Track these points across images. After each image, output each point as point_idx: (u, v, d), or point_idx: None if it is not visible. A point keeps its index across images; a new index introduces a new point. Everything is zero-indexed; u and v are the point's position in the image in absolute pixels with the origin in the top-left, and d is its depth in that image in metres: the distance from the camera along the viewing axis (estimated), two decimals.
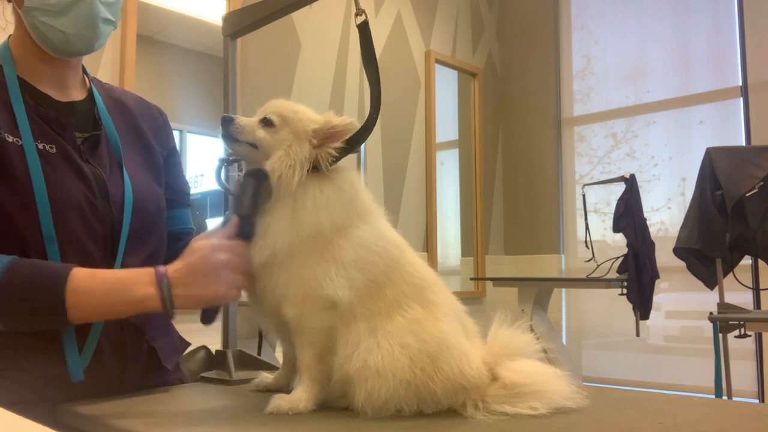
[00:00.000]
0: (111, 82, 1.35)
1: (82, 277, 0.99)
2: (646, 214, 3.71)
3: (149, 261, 1.19)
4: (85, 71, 1.25)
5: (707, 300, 3.31)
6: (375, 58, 1.06)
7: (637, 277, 3.50)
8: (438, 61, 4.68)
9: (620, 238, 3.88)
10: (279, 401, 0.94)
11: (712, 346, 2.98)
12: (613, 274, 3.69)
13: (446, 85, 4.88)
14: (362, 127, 1.01)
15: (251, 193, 0.98)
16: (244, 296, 1.05)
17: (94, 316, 1.02)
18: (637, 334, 3.64)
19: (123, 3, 1.23)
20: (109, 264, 1.11)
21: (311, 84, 3.81)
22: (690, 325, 4.33)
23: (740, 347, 3.53)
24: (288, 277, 0.95)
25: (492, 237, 5.10)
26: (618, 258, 3.67)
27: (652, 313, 3.63)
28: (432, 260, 4.36)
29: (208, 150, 3.35)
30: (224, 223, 1.17)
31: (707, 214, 3.08)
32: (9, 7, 1.14)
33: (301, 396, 0.95)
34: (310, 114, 1.02)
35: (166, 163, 1.30)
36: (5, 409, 0.56)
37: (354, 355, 0.91)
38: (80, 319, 1.00)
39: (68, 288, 0.97)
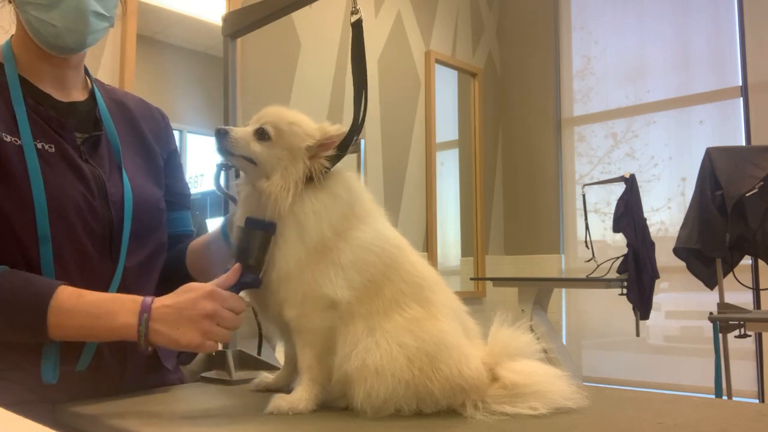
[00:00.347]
0: (111, 82, 1.36)
1: (67, 297, 0.98)
2: (646, 214, 3.71)
3: (149, 262, 1.19)
4: (87, 72, 1.25)
5: (707, 300, 3.31)
6: (364, 58, 1.05)
7: (637, 277, 3.50)
8: (438, 61, 4.68)
9: (620, 238, 3.88)
10: (279, 401, 0.94)
11: (712, 346, 2.98)
12: (613, 274, 3.69)
13: (446, 85, 4.88)
14: (349, 130, 0.99)
15: (259, 245, 0.96)
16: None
17: (74, 337, 1.01)
18: (637, 334, 3.64)
19: (123, 1, 1.23)
20: (107, 264, 1.11)
21: (311, 84, 3.81)
22: (690, 325, 4.33)
23: (740, 347, 3.53)
24: (288, 279, 0.95)
25: (492, 237, 5.10)
26: (618, 258, 3.67)
27: (652, 313, 3.63)
28: (432, 260, 4.35)
29: (208, 150, 3.35)
30: (224, 232, 1.18)
31: (707, 214, 3.08)
32: (10, 8, 1.14)
33: (301, 396, 0.95)
34: (305, 126, 1.00)
35: (166, 165, 1.30)
36: (5, 409, 0.56)
37: (352, 354, 0.91)
38: (61, 338, 1.00)
39: (52, 306, 0.97)
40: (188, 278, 1.29)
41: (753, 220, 3.01)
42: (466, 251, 4.93)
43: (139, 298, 0.99)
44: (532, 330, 3.64)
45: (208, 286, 0.97)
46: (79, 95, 1.20)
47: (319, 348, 0.96)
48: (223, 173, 1.07)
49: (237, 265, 0.98)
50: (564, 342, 4.56)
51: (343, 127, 1.00)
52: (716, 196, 3.07)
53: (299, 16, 3.70)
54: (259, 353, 1.36)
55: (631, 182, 3.67)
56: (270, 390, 1.09)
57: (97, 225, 1.10)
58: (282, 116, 1.01)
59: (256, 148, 0.98)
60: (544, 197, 5.03)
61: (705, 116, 4.34)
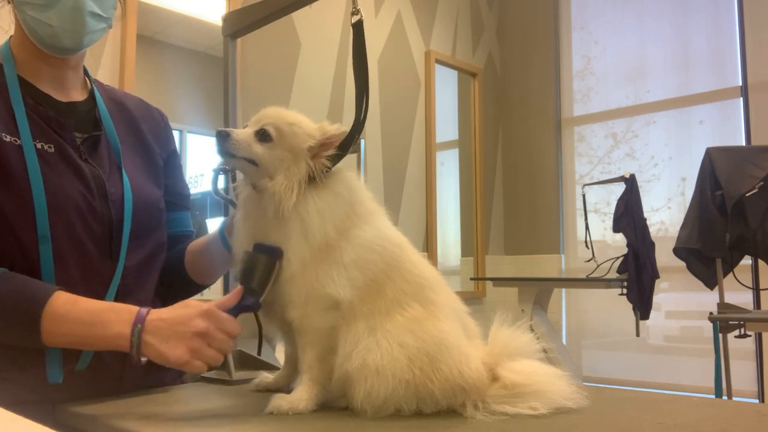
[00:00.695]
0: (111, 82, 1.36)
1: (63, 303, 0.97)
2: (646, 214, 3.71)
3: (148, 261, 1.19)
4: (86, 73, 1.25)
5: (707, 300, 3.31)
6: (365, 59, 1.05)
7: (637, 277, 3.50)
8: (438, 61, 4.68)
9: (620, 238, 3.88)
10: (279, 401, 0.94)
11: (712, 346, 2.98)
12: (613, 274, 3.69)
13: (446, 85, 4.88)
14: (350, 130, 1.00)
15: (263, 269, 0.96)
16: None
17: (68, 344, 1.00)
18: (637, 334, 3.64)
19: (122, 2, 1.23)
20: (107, 263, 1.11)
21: (311, 84, 3.81)
22: (690, 325, 4.33)
23: (740, 347, 3.53)
24: (291, 279, 0.95)
25: (492, 237, 5.10)
26: (618, 258, 3.67)
27: (652, 313, 3.63)
28: (432, 260, 4.33)
29: (208, 150, 3.35)
30: (222, 235, 1.18)
31: (707, 214, 3.08)
32: (9, 9, 1.14)
33: (301, 396, 0.95)
34: (305, 126, 1.00)
35: (166, 166, 1.30)
36: (5, 409, 0.57)
37: (353, 354, 0.91)
38: (54, 344, 0.99)
39: (46, 311, 0.96)
40: (187, 279, 1.29)
41: (753, 220, 3.01)
42: (466, 251, 4.93)
43: (134, 309, 0.98)
44: (532, 330, 3.64)
45: (206, 304, 0.96)
46: (78, 95, 1.20)
47: (320, 348, 0.96)
48: (221, 177, 1.06)
49: (239, 288, 0.98)
50: (564, 342, 4.56)
51: (343, 126, 1.00)
52: (716, 196, 3.07)
53: (299, 16, 3.70)
54: (259, 353, 1.36)
55: (631, 182, 3.67)
56: (270, 390, 1.09)
57: (97, 225, 1.10)
58: (282, 117, 1.01)
59: (258, 149, 0.98)
60: (544, 197, 5.03)
61: (705, 116, 4.34)
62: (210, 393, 1.18)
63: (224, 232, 1.19)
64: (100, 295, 1.09)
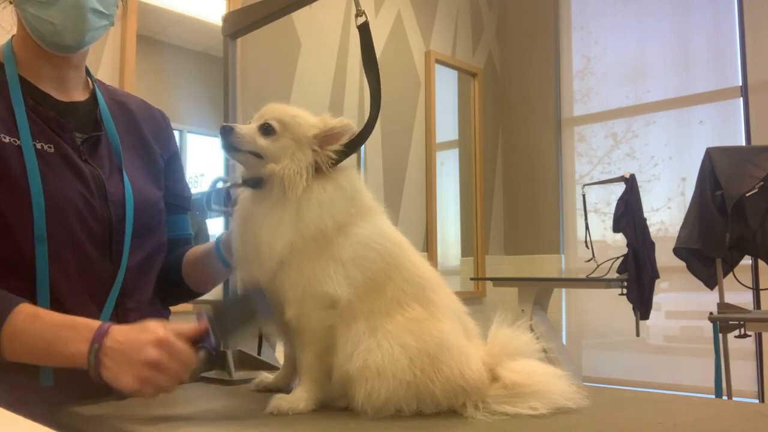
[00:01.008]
0: (111, 82, 1.35)
1: (23, 318, 0.96)
2: (646, 214, 3.71)
3: (148, 262, 1.19)
4: (88, 73, 1.24)
5: (707, 300, 3.30)
6: (375, 60, 1.06)
7: (637, 277, 3.50)
8: (438, 61, 4.68)
9: (620, 238, 3.88)
10: (279, 401, 0.94)
11: (712, 346, 2.98)
12: (613, 274, 3.69)
13: (446, 85, 4.88)
14: (362, 130, 1.01)
15: (241, 319, 0.95)
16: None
17: (28, 359, 0.98)
18: (637, 334, 3.64)
19: (123, 1, 1.22)
20: (106, 264, 1.10)
21: (311, 84, 3.81)
22: (690, 325, 4.33)
23: (740, 347, 3.52)
24: (288, 276, 0.95)
25: (492, 237, 5.10)
26: (618, 258, 3.67)
27: (652, 313, 3.63)
28: (432, 260, 4.35)
29: (208, 150, 3.35)
30: (218, 250, 1.17)
31: (707, 214, 3.08)
32: (11, 9, 1.14)
33: (301, 396, 0.95)
34: (308, 118, 1.02)
35: (167, 167, 1.30)
36: (5, 409, 0.56)
37: (354, 355, 0.91)
38: (14, 358, 0.97)
39: (5, 329, 0.94)
40: (183, 285, 1.29)
41: (753, 220, 3.01)
42: (466, 251, 4.93)
43: (95, 325, 0.95)
44: (532, 330, 3.64)
45: (162, 331, 0.93)
46: (79, 95, 1.20)
47: (318, 348, 0.96)
48: (217, 192, 1.06)
49: (204, 323, 0.95)
50: (564, 342, 4.56)
51: (346, 119, 1.00)
52: (716, 196, 3.07)
53: (299, 16, 3.70)
54: (259, 353, 1.37)
55: (631, 182, 3.67)
56: (270, 390, 1.09)
57: (97, 225, 1.09)
58: (284, 110, 1.02)
59: (262, 142, 0.99)
60: (544, 197, 5.03)
61: (705, 116, 4.34)
62: (210, 393, 1.18)
63: (220, 246, 1.19)
64: (100, 296, 1.09)
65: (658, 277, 3.58)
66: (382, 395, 0.89)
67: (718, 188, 3.08)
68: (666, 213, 4.41)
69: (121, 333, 0.94)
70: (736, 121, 4.21)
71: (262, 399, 0.98)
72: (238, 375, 1.27)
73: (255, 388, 1.13)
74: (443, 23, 4.80)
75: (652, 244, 3.62)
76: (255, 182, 1.00)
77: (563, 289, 4.82)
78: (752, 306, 3.82)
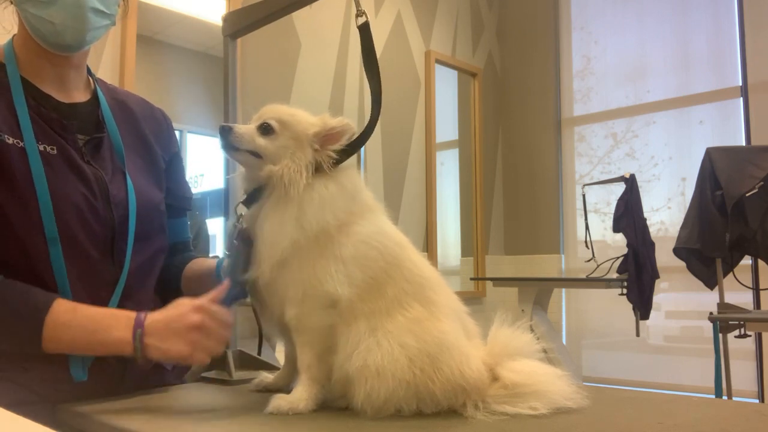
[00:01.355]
0: (111, 82, 1.35)
1: (63, 311, 0.99)
2: (646, 214, 3.71)
3: (149, 263, 1.19)
4: (90, 72, 1.24)
5: (707, 300, 3.30)
6: (376, 61, 1.06)
7: (637, 277, 3.50)
8: (438, 61, 4.68)
9: (620, 238, 3.88)
10: (279, 401, 0.94)
11: (712, 346, 2.98)
12: (613, 274, 3.69)
13: (446, 85, 4.88)
14: (363, 130, 1.01)
15: (243, 258, 1.00)
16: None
17: (68, 350, 1.02)
18: (637, 334, 3.64)
19: (124, 0, 1.22)
20: (108, 265, 1.10)
21: (311, 84, 3.81)
22: (690, 325, 4.33)
23: (740, 347, 3.52)
24: (288, 276, 0.95)
25: (492, 237, 5.10)
26: (618, 258, 3.67)
27: (652, 313, 3.63)
28: (432, 260, 4.33)
29: (208, 150, 3.35)
30: (218, 273, 1.18)
31: (707, 214, 3.08)
32: (12, 9, 1.13)
33: (301, 396, 0.95)
34: (307, 117, 1.02)
35: (168, 168, 1.29)
36: (5, 409, 0.56)
37: (354, 354, 0.91)
38: (54, 350, 1.00)
39: (48, 320, 0.97)
40: (182, 295, 1.29)
41: (753, 220, 3.01)
42: (466, 251, 4.93)
43: (132, 314, 1.00)
44: (532, 330, 3.64)
45: (197, 300, 1.00)
46: (80, 96, 1.20)
47: (318, 347, 0.96)
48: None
49: (226, 281, 1.02)
50: (564, 342, 4.56)
51: (346, 119, 1.00)
52: (716, 196, 3.07)
53: (299, 16, 3.70)
54: (259, 353, 1.36)
55: (631, 182, 3.67)
56: (270, 390, 1.09)
57: (99, 227, 1.09)
58: (283, 110, 1.03)
59: (261, 141, 1.00)
60: (544, 197, 5.03)
61: (705, 116, 4.34)
62: (210, 393, 1.18)
63: (221, 272, 1.19)
64: (101, 297, 1.09)
65: (658, 277, 3.58)
66: (381, 395, 0.89)
67: (718, 188, 3.08)
68: (666, 213, 4.41)
69: (159, 314, 1.00)
70: (736, 121, 4.21)
71: (262, 399, 0.98)
72: (238, 375, 1.27)
73: (255, 388, 1.13)
74: (443, 23, 4.80)
75: (652, 244, 3.62)
76: (255, 195, 1.01)
77: (563, 289, 4.82)
78: (752, 306, 3.82)
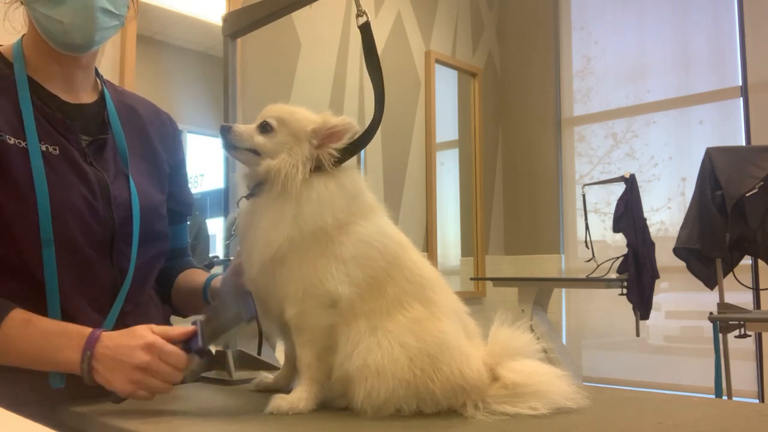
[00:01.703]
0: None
1: (16, 324, 0.97)
2: (646, 214, 3.71)
3: (149, 266, 1.19)
4: (98, 74, 1.24)
5: (707, 300, 3.30)
6: (378, 60, 1.06)
7: (637, 277, 3.50)
8: (438, 61, 4.68)
9: (620, 238, 3.87)
10: (279, 401, 0.94)
11: (712, 346, 2.98)
12: (613, 274, 3.69)
13: (446, 85, 4.88)
14: (366, 129, 1.01)
15: (228, 321, 0.98)
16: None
17: (19, 364, 1.00)
18: (637, 334, 3.63)
19: (134, 2, 1.22)
20: (106, 267, 1.10)
21: (311, 84, 3.81)
22: (690, 325, 4.33)
23: (740, 347, 3.52)
24: (288, 274, 0.95)
25: (492, 237, 5.10)
26: (618, 258, 3.67)
27: (652, 313, 3.63)
28: (432, 260, 4.31)
29: (208, 150, 3.35)
30: (205, 297, 1.19)
31: (707, 214, 3.08)
32: (23, 9, 1.13)
33: (301, 396, 0.95)
34: (308, 114, 1.02)
35: (172, 174, 1.29)
36: (5, 409, 0.56)
37: (354, 354, 0.91)
38: (6, 363, 0.99)
39: None
40: (171, 302, 1.32)
41: (753, 220, 3.01)
42: (466, 251, 4.93)
43: (86, 332, 0.97)
44: (532, 330, 3.64)
45: (150, 335, 0.95)
46: (87, 97, 1.19)
47: (318, 347, 0.96)
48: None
49: (192, 329, 0.98)
50: (564, 342, 4.55)
51: (348, 118, 1.00)
52: (716, 196, 3.07)
53: (299, 16, 3.70)
54: (259, 353, 1.36)
55: (631, 182, 3.66)
56: (270, 390, 1.09)
57: (99, 228, 1.09)
58: (283, 109, 1.03)
59: (260, 139, 1.00)
60: (544, 197, 5.03)
61: (705, 116, 4.34)
62: (210, 393, 1.18)
63: (208, 294, 1.19)
64: (100, 298, 1.09)
65: (658, 277, 3.58)
66: (381, 395, 0.89)
67: (718, 188, 3.08)
68: (666, 213, 4.41)
69: (111, 339, 0.96)
70: (736, 121, 4.21)
71: (262, 399, 0.98)
72: (238, 375, 1.27)
73: (255, 388, 1.13)
74: (443, 23, 4.80)
75: (652, 244, 3.62)
76: (256, 191, 1.00)
77: (563, 289, 4.82)
78: (752, 306, 3.82)
